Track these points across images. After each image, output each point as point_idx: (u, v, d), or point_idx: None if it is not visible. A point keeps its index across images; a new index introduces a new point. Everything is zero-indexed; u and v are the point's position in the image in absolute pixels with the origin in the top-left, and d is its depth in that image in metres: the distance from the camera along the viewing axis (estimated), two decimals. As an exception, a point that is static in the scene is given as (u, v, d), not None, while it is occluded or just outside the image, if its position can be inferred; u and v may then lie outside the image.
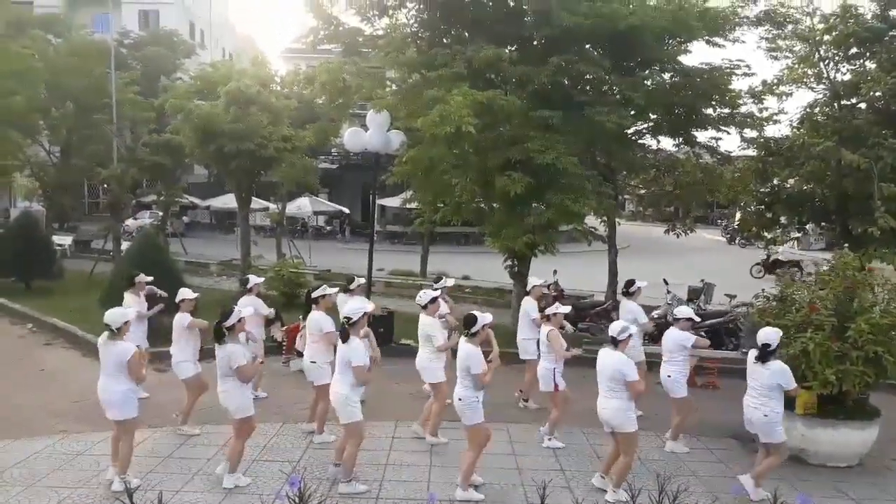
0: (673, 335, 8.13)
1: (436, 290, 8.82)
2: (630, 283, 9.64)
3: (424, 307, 8.13)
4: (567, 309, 8.48)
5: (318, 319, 7.84)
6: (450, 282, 10.56)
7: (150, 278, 9.78)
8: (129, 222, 30.77)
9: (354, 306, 6.98)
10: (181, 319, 8.12)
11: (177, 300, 8.34)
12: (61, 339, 12.59)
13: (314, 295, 8.01)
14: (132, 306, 8.40)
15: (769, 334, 6.92)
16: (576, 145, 12.04)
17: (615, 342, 6.62)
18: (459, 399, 6.51)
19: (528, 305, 9.44)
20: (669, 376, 8.08)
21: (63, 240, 26.42)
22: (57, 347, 12.17)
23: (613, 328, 6.74)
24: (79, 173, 26.70)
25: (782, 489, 6.96)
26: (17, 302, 15.29)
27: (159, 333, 9.79)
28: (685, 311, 8.33)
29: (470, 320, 6.59)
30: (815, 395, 7.67)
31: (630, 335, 6.76)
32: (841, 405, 7.80)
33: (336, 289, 8.65)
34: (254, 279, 9.72)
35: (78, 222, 30.71)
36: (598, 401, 6.68)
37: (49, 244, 18.94)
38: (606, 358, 6.63)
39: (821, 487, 7.17)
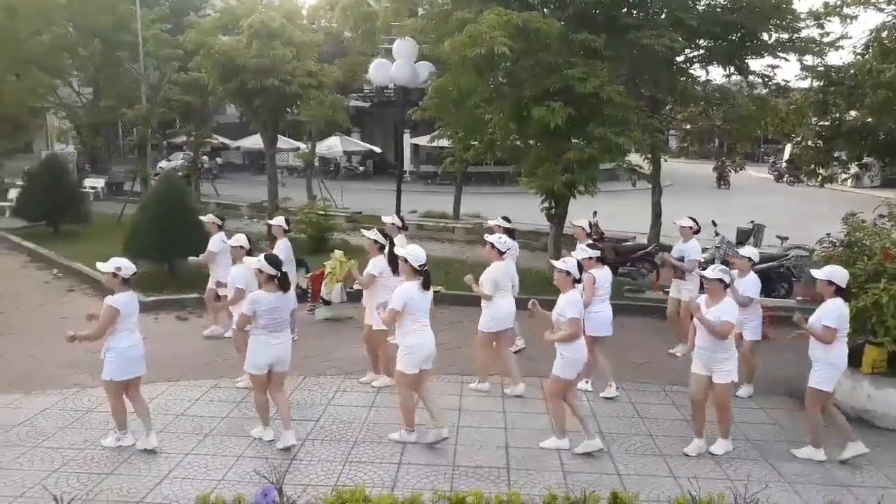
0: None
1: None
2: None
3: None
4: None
5: None
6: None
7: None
8: (163, 164, 30.47)
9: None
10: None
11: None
12: (85, 285, 12.30)
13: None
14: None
15: None
16: (619, 74, 11.07)
17: None
18: None
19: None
20: None
21: (95, 182, 26.31)
22: (79, 294, 11.87)
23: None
24: (109, 114, 26.40)
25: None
26: (45, 246, 15.10)
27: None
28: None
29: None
30: (886, 351, 6.91)
31: None
32: (914, 362, 7.03)
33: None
34: (277, 221, 9.51)
35: (110, 164, 30.54)
36: None
37: (76, 187, 18.68)
38: None
39: (889, 453, 6.47)
